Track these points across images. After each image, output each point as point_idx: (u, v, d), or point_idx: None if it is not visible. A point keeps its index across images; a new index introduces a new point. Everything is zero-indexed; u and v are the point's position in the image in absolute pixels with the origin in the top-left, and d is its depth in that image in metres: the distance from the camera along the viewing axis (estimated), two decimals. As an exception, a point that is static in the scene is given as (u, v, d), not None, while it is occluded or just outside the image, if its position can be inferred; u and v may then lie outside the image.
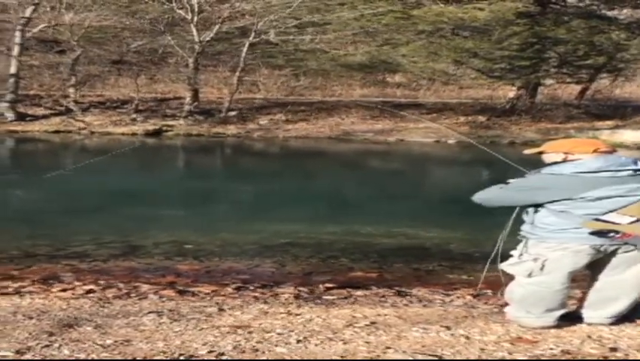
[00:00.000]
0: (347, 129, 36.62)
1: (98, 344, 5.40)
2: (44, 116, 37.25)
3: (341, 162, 29.43)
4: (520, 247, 6.05)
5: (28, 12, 38.14)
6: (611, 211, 5.76)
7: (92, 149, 32.07)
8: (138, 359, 5.08)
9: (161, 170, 24.66)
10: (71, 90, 38.50)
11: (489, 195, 6.10)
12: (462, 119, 38.38)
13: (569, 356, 5.31)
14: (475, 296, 7.79)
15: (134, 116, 37.36)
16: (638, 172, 5.77)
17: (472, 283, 8.29)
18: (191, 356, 5.17)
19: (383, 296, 7.87)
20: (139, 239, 11.55)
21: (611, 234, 5.76)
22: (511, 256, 6.11)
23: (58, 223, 13.07)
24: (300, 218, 13.79)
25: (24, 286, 8.08)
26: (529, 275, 5.94)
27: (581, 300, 6.21)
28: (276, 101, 40.85)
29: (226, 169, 26.92)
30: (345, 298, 7.76)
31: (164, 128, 36.01)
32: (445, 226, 12.68)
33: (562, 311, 6.01)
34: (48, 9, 39.55)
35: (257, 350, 5.31)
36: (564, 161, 5.91)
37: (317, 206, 15.91)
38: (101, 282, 8.41)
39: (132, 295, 7.70)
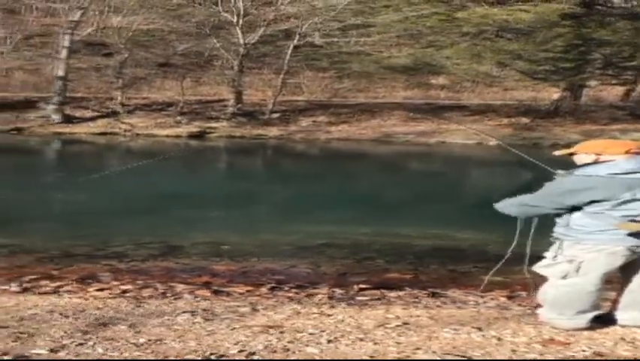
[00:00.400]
0: (388, 131, 36.60)
1: (131, 343, 5.46)
2: (90, 119, 37.75)
3: (381, 163, 29.43)
4: (553, 248, 6.01)
5: (76, 16, 38.58)
6: None
7: (137, 151, 32.43)
8: (170, 358, 5.14)
9: (202, 172, 24.80)
10: (117, 93, 38.89)
11: (520, 210, 6.09)
12: (505, 120, 38.17)
13: (600, 358, 5.28)
14: (509, 298, 7.77)
15: (178, 118, 37.68)
16: (671, 173, 5.73)
17: (507, 284, 8.27)
18: (222, 355, 5.21)
19: (416, 297, 7.88)
20: (177, 240, 11.64)
21: None
22: (544, 257, 6.08)
23: (99, 224, 13.24)
24: (338, 219, 13.83)
25: (62, 286, 8.20)
26: (565, 277, 5.90)
27: (615, 302, 6.16)
28: (318, 103, 40.94)
29: (266, 171, 27.09)
30: (379, 299, 7.78)
31: (208, 130, 36.28)
32: (482, 228, 12.58)
33: (595, 313, 5.97)
34: (96, 12, 39.91)
35: (288, 350, 5.34)
36: (595, 162, 5.87)
37: (355, 207, 15.95)
38: (139, 282, 8.51)
39: (168, 295, 7.79)
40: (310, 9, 38.75)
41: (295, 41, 38.87)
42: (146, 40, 42.21)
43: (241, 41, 38.73)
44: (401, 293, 8.09)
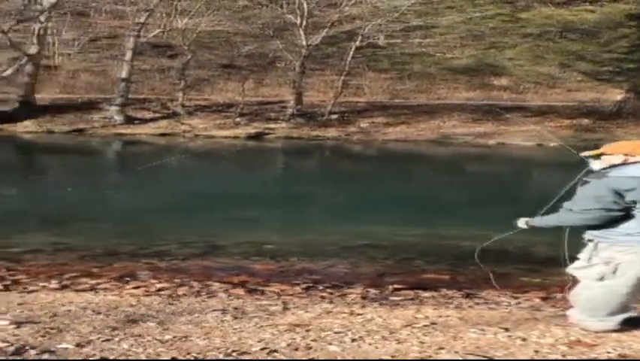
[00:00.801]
0: (447, 132, 36.43)
1: (157, 339, 5.54)
2: (151, 120, 38.26)
3: (436, 165, 29.29)
4: (588, 250, 5.94)
5: (143, 18, 39.09)
6: None
7: (194, 151, 32.72)
8: (192, 354, 5.19)
9: (256, 172, 24.96)
10: (179, 94, 39.29)
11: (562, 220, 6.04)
12: (566, 122, 37.74)
13: (624, 360, 5.21)
14: (544, 299, 7.71)
15: (237, 119, 37.91)
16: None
17: (544, 286, 8.20)
18: (244, 352, 5.26)
19: (450, 298, 7.85)
20: (221, 239, 11.73)
21: None
22: (577, 259, 6.02)
23: (147, 223, 13.41)
24: (386, 220, 13.83)
25: (100, 283, 8.34)
26: (601, 279, 5.84)
27: (647, 304, 6.09)
28: (378, 105, 40.88)
29: (319, 172, 27.07)
30: (412, 299, 7.77)
31: (266, 131, 36.46)
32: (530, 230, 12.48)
33: (625, 315, 5.89)
34: (163, 15, 40.41)
35: (310, 348, 5.37)
36: (624, 163, 5.79)
37: (405, 208, 15.90)
38: (176, 280, 8.60)
39: (202, 293, 7.88)
40: (374, 10, 38.73)
41: (357, 43, 38.92)
42: (211, 42, 42.70)
43: (303, 43, 38.86)
44: (435, 294, 8.08)
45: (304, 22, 38.83)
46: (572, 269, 6.06)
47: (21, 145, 33.97)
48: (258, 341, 5.52)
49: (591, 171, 5.96)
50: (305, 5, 38.71)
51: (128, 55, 39.20)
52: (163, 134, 36.06)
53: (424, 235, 12.50)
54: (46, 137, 35.59)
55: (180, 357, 5.11)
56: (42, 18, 37.66)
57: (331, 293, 8.04)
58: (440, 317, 6.53)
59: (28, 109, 37.75)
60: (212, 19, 40.95)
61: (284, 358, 5.14)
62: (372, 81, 44.25)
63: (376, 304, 7.31)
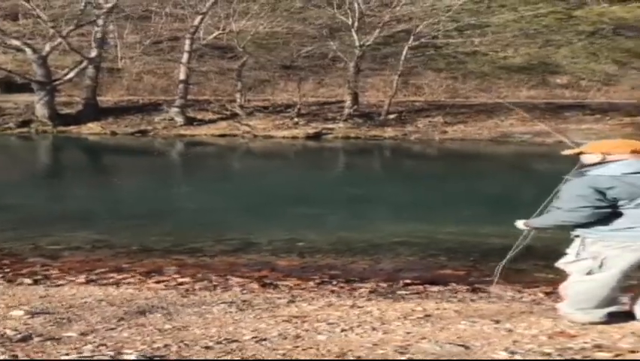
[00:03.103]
0: (505, 131, 36.25)
1: (157, 329, 5.90)
2: (211, 121, 38.76)
3: (492, 164, 29.11)
4: (575, 245, 6.15)
5: (196, 21, 39.76)
6: None
7: (254, 151, 33.27)
8: (185, 341, 5.51)
9: (310, 171, 25.26)
10: (238, 95, 39.81)
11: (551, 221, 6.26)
12: (626, 119, 37.28)
13: (597, 350, 5.38)
14: (547, 294, 7.87)
15: (296, 120, 38.25)
16: (683, 171, 5.81)
17: (553, 281, 8.33)
18: (235, 340, 5.57)
19: (456, 292, 8.07)
20: (257, 236, 12.05)
21: None
22: (566, 254, 6.22)
23: (191, 221, 13.84)
24: (426, 218, 13.93)
25: (126, 278, 8.74)
26: (588, 273, 6.03)
27: (635, 298, 6.23)
28: (436, 104, 40.86)
29: (372, 171, 27.16)
30: (418, 293, 8.00)
31: (324, 131, 36.74)
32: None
33: (612, 308, 6.06)
34: (222, 17, 40.99)
35: (298, 337, 5.66)
36: (603, 161, 5.96)
37: (450, 207, 15.94)
38: (199, 275, 8.95)
39: (218, 287, 8.20)
40: (427, 9, 38.82)
41: (410, 42, 39.02)
42: (272, 43, 43.11)
43: (357, 43, 39.14)
44: (442, 288, 8.30)
45: (356, 23, 39.03)
46: (561, 264, 6.27)
47: (83, 145, 34.84)
48: (252, 331, 5.83)
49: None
50: (356, 6, 38.92)
51: (185, 57, 39.87)
52: (222, 135, 36.57)
53: (457, 232, 12.61)
54: (109, 138, 36.39)
55: (173, 344, 5.43)
56: (100, 22, 38.51)
57: (342, 288, 8.31)
58: (438, 310, 6.76)
59: (92, 111, 38.66)
60: (272, 21, 41.42)
61: (270, 345, 5.42)
62: (432, 81, 44.22)
63: (381, 298, 7.56)
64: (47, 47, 38.02)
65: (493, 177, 23.84)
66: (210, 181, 20.16)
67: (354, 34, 39.23)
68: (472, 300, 7.56)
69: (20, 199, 16.23)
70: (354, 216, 14.94)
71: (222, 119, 38.81)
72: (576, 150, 6.26)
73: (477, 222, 13.52)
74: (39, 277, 8.83)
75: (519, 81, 42.93)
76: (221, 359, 5.07)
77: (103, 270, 9.25)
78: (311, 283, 8.52)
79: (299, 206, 15.71)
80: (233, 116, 38.87)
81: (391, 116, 38.45)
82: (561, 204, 6.11)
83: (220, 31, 41.30)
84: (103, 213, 14.94)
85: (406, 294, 7.94)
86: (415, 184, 20.85)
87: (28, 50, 38.02)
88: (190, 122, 38.25)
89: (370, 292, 8.07)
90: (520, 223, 6.59)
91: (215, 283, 8.43)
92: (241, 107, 39.30)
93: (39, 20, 39.34)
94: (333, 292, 7.99)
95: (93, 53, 39.12)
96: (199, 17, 39.69)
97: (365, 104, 39.98)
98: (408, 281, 8.64)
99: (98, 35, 38.97)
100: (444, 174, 24.37)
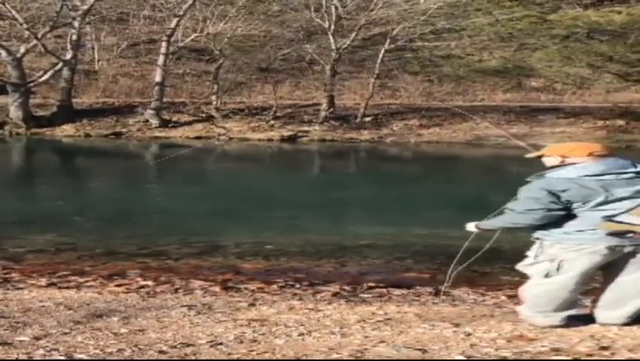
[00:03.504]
0: (480, 134, 36.31)
1: (112, 333, 5.82)
2: (187, 123, 38.63)
3: (466, 167, 29.25)
4: (535, 248, 6.15)
5: (173, 23, 39.64)
6: (623, 212, 5.79)
7: (229, 154, 33.20)
8: (140, 345, 5.44)
9: (285, 174, 25.22)
10: (214, 97, 39.71)
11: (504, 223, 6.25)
12: (600, 123, 37.44)
13: (554, 354, 5.36)
14: (510, 297, 7.84)
15: (272, 122, 38.19)
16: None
17: (518, 284, 8.30)
18: (190, 344, 5.51)
19: (419, 295, 8.02)
20: (225, 239, 12.01)
21: (630, 235, 5.79)
22: (526, 256, 6.22)
23: (159, 224, 13.75)
24: (396, 221, 13.94)
25: (87, 281, 8.65)
26: (546, 276, 6.02)
27: (595, 301, 6.21)
28: (411, 107, 40.88)
29: (347, 174, 27.07)
30: (380, 296, 7.96)
31: (299, 134, 36.72)
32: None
33: (571, 311, 6.06)
34: (199, 19, 40.86)
35: (255, 341, 5.60)
36: (562, 164, 5.96)
37: (420, 210, 15.84)
38: (162, 278, 8.88)
39: (180, 291, 8.13)
40: (403, 13, 38.89)
41: (387, 45, 39.07)
42: (249, 46, 43.04)
43: (333, 46, 39.17)
44: (406, 291, 8.24)
45: (332, 26, 39.06)
46: (520, 266, 6.27)
47: (56, 148, 34.65)
48: (208, 335, 5.77)
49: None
50: (333, 9, 38.97)
51: (161, 59, 39.74)
52: (198, 137, 36.46)
53: (428, 235, 12.55)
54: (82, 140, 36.20)
55: (127, 348, 5.36)
56: (75, 24, 38.30)
57: (305, 291, 8.26)
58: (398, 313, 6.72)
59: (66, 113, 38.43)
60: (249, 23, 41.33)
61: (225, 350, 5.37)
62: (409, 84, 44.25)
63: (343, 301, 7.49)
64: (22, 49, 37.78)
65: (466, 179, 23.92)
66: (182, 184, 20.04)
67: (330, 37, 39.24)
68: (434, 303, 7.52)
69: (-13, 202, 16.11)
70: (324, 218, 14.88)
71: (198, 121, 38.68)
72: (537, 153, 6.27)
73: (446, 225, 13.34)
74: (-1, 280, 8.74)
75: (495, 84, 43.05)
76: (174, 362, 5.02)
77: (65, 273, 9.16)
78: (274, 287, 8.47)
79: (269, 209, 15.67)
80: (209, 118, 38.76)
81: (367, 119, 38.45)
82: (514, 206, 6.12)
83: (197, 34, 41.15)
84: (70, 215, 14.80)
85: (369, 297, 7.89)
86: (387, 187, 20.83)
87: (2, 52, 37.70)
88: (165, 124, 38.10)
89: (333, 295, 8.02)
90: (470, 226, 6.58)
91: (177, 287, 8.36)
92: (217, 109, 39.17)
93: (14, 22, 39.08)
94: (295, 295, 7.94)
95: (69, 55, 38.89)
96: (176, 20, 39.56)
97: (341, 107, 39.96)
98: (372, 284, 8.60)
99: (74, 37, 38.71)
100: (417, 177, 24.40)
